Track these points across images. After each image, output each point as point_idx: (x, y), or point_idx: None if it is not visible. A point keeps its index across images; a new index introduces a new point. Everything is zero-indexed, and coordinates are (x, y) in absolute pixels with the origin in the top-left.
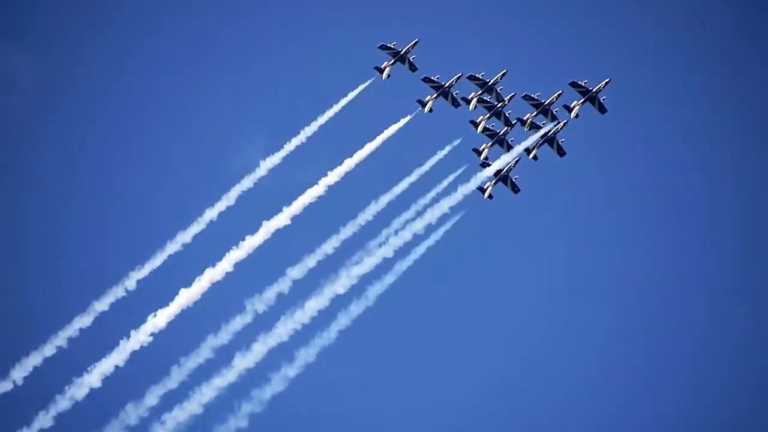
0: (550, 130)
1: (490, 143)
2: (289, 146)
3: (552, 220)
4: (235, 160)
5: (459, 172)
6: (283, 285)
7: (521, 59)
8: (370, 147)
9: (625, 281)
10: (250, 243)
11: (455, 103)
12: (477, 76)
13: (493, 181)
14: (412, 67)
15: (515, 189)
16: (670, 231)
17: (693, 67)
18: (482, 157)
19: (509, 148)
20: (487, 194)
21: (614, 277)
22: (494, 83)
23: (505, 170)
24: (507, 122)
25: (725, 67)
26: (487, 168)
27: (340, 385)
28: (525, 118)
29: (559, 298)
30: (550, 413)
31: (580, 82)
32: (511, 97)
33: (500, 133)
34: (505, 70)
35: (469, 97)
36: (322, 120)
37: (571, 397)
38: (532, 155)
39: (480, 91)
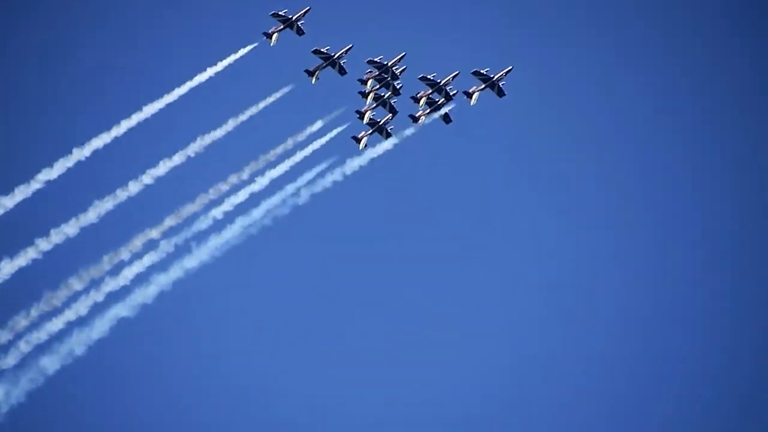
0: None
1: (374, 105)
2: (159, 104)
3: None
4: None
5: (340, 129)
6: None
7: (425, 45)
8: (251, 112)
9: (623, 275)
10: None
11: (342, 71)
12: (375, 60)
13: (369, 131)
14: (300, 32)
15: (388, 135)
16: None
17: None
18: (365, 119)
19: (392, 109)
20: (362, 144)
21: (612, 272)
22: (392, 65)
23: (381, 122)
24: (395, 90)
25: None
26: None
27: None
28: (418, 96)
29: (556, 295)
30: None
31: (482, 71)
32: (402, 71)
33: (385, 96)
34: (403, 53)
35: (365, 77)
36: (200, 79)
37: (567, 400)
38: (420, 122)
39: (377, 73)
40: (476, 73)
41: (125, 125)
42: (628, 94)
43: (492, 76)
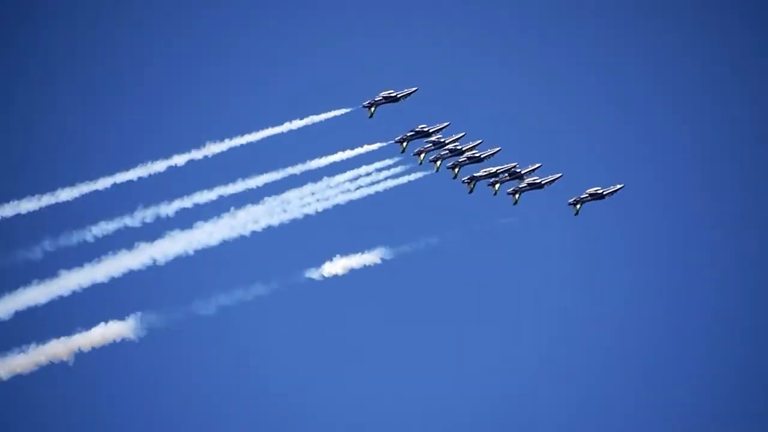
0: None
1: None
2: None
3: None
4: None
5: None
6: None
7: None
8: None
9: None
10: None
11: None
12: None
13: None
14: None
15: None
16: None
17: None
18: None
19: None
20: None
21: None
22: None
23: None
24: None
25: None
26: None
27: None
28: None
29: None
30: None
31: (592, 190)
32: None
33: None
34: (498, 148)
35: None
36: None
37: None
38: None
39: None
40: (593, 195)
41: (213, 149)
42: None
43: (602, 192)
